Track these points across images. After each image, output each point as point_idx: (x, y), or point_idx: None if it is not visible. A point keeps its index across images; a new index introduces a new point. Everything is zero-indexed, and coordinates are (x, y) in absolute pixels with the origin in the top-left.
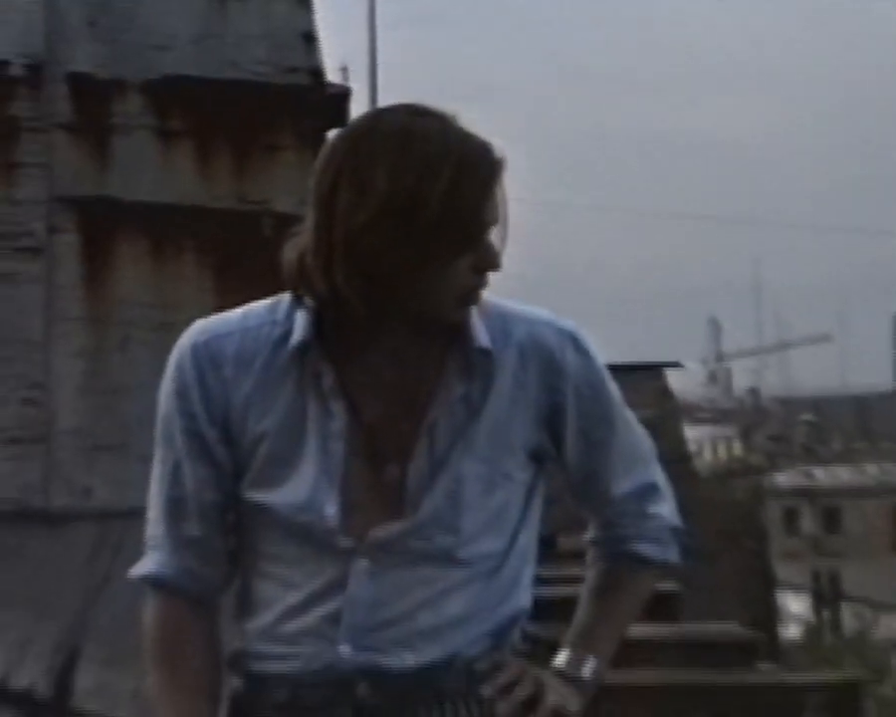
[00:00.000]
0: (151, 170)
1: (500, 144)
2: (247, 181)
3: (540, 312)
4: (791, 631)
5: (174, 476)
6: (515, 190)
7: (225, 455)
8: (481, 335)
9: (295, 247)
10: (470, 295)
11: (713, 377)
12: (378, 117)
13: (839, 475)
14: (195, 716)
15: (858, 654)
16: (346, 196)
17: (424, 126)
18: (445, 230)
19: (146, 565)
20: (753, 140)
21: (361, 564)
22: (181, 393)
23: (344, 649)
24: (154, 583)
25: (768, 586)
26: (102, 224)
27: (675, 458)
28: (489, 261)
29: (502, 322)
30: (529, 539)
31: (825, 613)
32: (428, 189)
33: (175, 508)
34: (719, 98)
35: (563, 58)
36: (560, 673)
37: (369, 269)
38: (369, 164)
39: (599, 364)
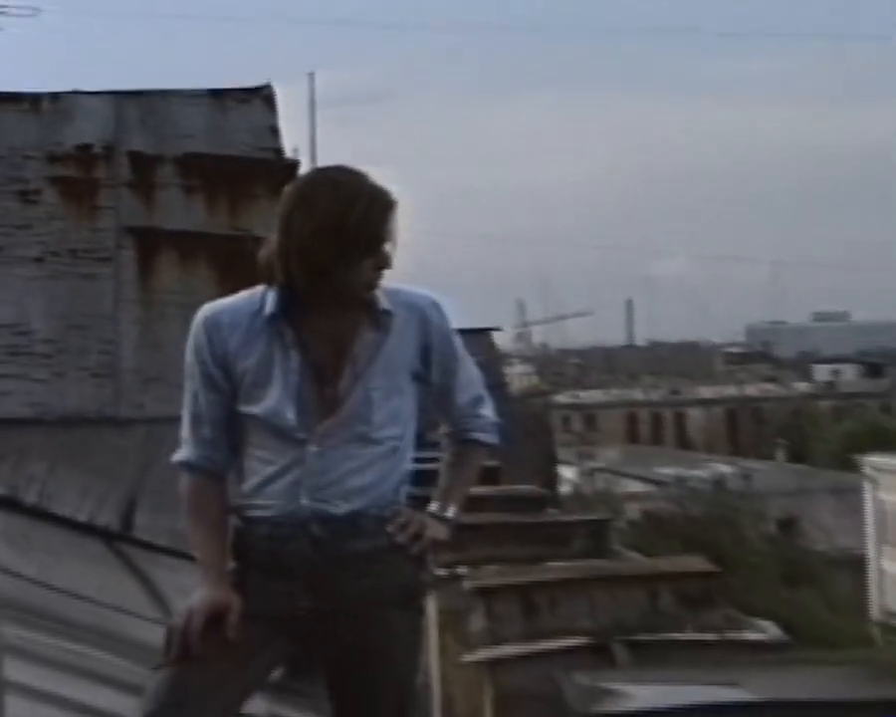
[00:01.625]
0: (179, 211)
1: (395, 190)
2: (237, 217)
3: (419, 289)
4: (566, 489)
5: (195, 400)
6: (407, 222)
7: (225, 385)
8: (383, 302)
9: (265, 251)
10: (373, 283)
11: (520, 337)
12: (320, 171)
13: (595, 396)
14: (213, 545)
15: (605, 502)
16: (298, 220)
17: (347, 178)
18: (358, 242)
19: (180, 454)
20: (545, 191)
21: (312, 448)
22: (197, 349)
23: (303, 501)
24: (185, 465)
25: (552, 462)
26: (148, 243)
27: (497, 385)
28: (385, 262)
29: (395, 295)
30: (412, 432)
31: (586, 479)
32: (348, 217)
33: (196, 419)
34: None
35: (436, 138)
36: (433, 515)
37: (311, 265)
38: (313, 201)
39: (451, 322)
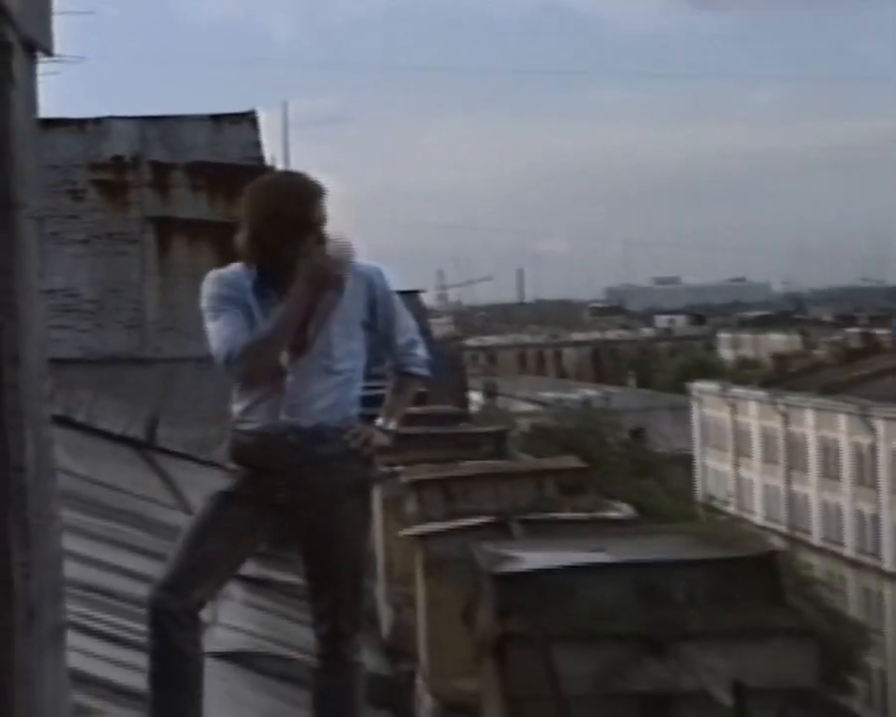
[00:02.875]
0: (188, 204)
1: (326, 182)
2: (231, 209)
3: (367, 261)
4: (474, 409)
5: (216, 324)
6: (358, 213)
7: (241, 297)
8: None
9: (238, 238)
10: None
11: (440, 297)
12: (264, 176)
13: (495, 340)
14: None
15: (504, 419)
16: (251, 213)
17: (291, 179)
18: (300, 224)
19: (219, 360)
20: (460, 190)
21: (290, 377)
22: (212, 285)
23: (282, 417)
24: (227, 361)
25: (464, 389)
26: (165, 229)
27: (423, 332)
28: (321, 238)
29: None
30: (362, 366)
31: (489, 401)
32: (290, 206)
33: (218, 334)
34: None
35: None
36: (379, 428)
37: (264, 245)
38: (259, 198)
39: (390, 285)
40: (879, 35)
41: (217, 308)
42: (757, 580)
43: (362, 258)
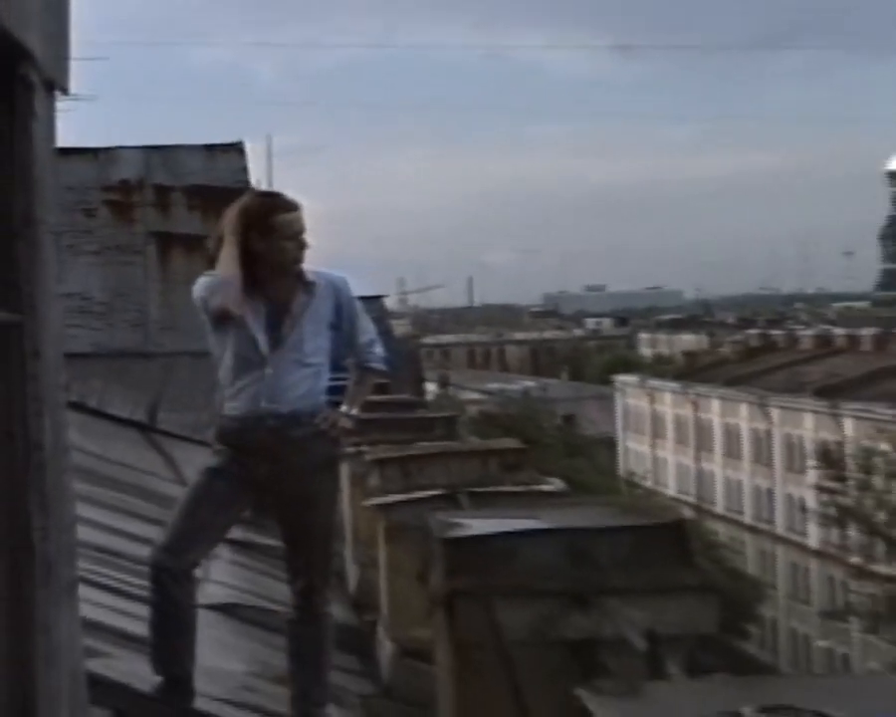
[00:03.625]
0: (185, 221)
1: (303, 201)
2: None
3: (334, 271)
4: (430, 398)
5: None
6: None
7: None
8: (310, 277)
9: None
10: (298, 257)
11: (401, 301)
12: (249, 195)
13: (448, 338)
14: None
15: (455, 407)
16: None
17: (268, 198)
18: (280, 235)
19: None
20: (419, 210)
21: (268, 370)
22: (198, 292)
23: (263, 403)
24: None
25: (420, 380)
26: (165, 242)
27: (385, 332)
28: (301, 244)
29: (318, 273)
30: (328, 361)
31: (442, 391)
32: (273, 219)
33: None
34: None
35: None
36: (342, 414)
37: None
38: (244, 213)
39: (353, 292)
40: (776, 80)
41: (205, 288)
42: (669, 544)
43: (332, 268)
